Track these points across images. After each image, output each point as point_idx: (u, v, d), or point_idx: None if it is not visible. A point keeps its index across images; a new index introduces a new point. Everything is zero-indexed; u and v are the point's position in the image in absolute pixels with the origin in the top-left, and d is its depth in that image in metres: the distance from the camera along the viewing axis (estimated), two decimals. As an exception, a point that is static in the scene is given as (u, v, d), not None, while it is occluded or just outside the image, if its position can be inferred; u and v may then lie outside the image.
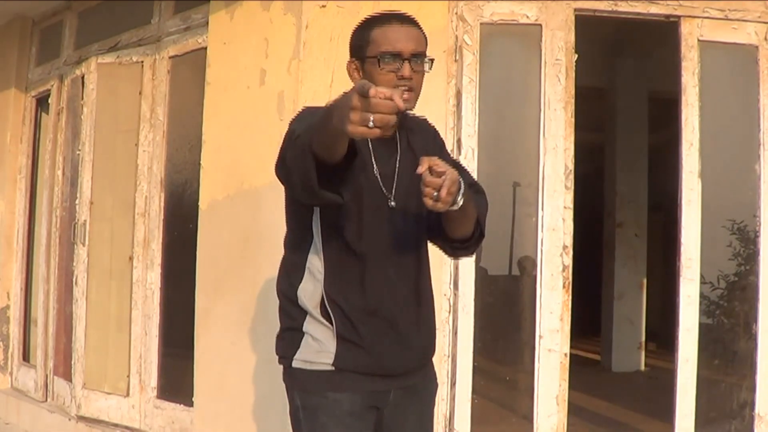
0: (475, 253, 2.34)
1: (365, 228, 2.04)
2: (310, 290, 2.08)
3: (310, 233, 2.08)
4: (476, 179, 2.40)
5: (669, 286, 4.36)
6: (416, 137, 2.19)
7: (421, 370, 2.18)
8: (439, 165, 1.82)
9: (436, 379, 2.28)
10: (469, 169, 2.43)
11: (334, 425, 2.03)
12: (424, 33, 2.13)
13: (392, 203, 2.07)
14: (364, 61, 2.09)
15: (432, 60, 2.11)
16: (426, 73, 2.10)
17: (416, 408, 2.17)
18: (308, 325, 2.07)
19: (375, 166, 2.07)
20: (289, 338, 2.11)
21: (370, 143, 2.04)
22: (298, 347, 2.07)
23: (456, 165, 2.11)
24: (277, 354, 2.15)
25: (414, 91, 2.06)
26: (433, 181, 1.80)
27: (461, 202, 1.90)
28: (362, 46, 2.10)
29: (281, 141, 1.97)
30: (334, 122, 1.65)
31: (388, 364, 2.06)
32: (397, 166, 2.11)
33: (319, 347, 2.05)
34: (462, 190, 1.89)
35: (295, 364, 2.07)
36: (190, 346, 4.24)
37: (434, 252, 3.13)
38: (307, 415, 2.06)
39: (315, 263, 2.08)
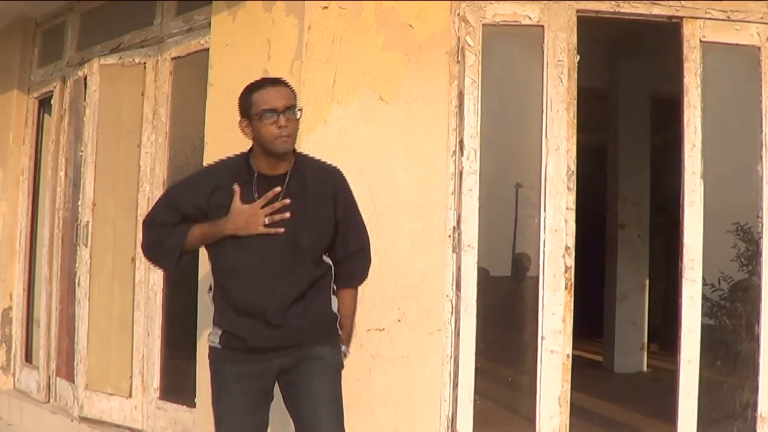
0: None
1: (236, 251, 2.74)
2: (210, 296, 2.90)
3: (209, 255, 2.87)
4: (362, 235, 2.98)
5: (671, 287, 4.35)
6: (313, 182, 2.82)
7: (301, 347, 2.80)
8: None
9: (333, 353, 2.89)
10: (359, 227, 2.96)
11: (219, 386, 2.84)
12: (292, 90, 2.78)
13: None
14: (251, 119, 2.74)
15: (301, 110, 2.81)
16: (298, 120, 2.77)
17: (313, 372, 2.81)
18: (213, 318, 2.87)
19: (255, 197, 2.73)
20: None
21: (255, 188, 2.74)
22: (211, 331, 2.87)
23: (348, 224, 2.88)
24: None
25: (291, 136, 2.71)
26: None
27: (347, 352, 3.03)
28: (248, 107, 2.76)
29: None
30: (229, 231, 2.72)
31: (254, 343, 2.75)
32: (280, 197, 2.72)
33: (215, 332, 2.84)
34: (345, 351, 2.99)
35: (209, 342, 2.88)
36: (193, 347, 4.24)
37: (435, 254, 3.11)
38: (211, 377, 2.89)
39: (212, 280, 2.88)
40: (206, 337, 2.90)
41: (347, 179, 2.94)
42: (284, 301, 2.74)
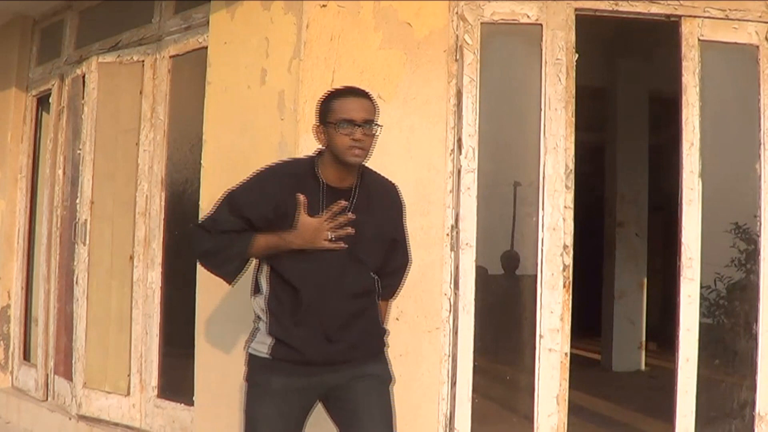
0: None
1: (298, 262, 2.66)
2: (260, 302, 2.77)
3: (260, 260, 2.79)
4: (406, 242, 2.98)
5: (669, 285, 4.36)
6: (378, 198, 2.80)
7: (353, 363, 2.73)
8: None
9: (385, 369, 2.84)
10: (405, 243, 2.97)
11: (259, 396, 2.75)
12: (375, 104, 2.70)
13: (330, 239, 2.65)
14: (327, 126, 2.66)
15: (380, 126, 2.70)
16: (375, 137, 2.69)
17: (367, 390, 2.75)
18: (268, 326, 2.74)
19: (321, 212, 2.64)
20: (252, 332, 2.83)
21: (322, 200, 2.66)
22: (254, 339, 2.79)
23: (398, 241, 2.89)
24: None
25: (365, 149, 2.64)
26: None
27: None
28: (326, 113, 2.67)
29: (217, 200, 2.76)
30: (296, 246, 2.63)
31: (310, 356, 2.67)
32: (350, 211, 2.65)
33: (261, 340, 2.74)
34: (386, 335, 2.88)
35: (248, 349, 2.81)
36: (191, 345, 4.24)
37: (433, 252, 3.11)
38: (248, 386, 2.81)
39: (262, 282, 2.77)
40: (205, 336, 2.87)
41: None
42: (344, 314, 2.70)
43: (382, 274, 2.85)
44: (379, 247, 2.79)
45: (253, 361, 2.77)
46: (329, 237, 2.60)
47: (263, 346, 2.72)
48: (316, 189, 2.68)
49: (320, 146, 2.73)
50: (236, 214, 2.69)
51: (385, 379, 2.81)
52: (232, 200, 2.73)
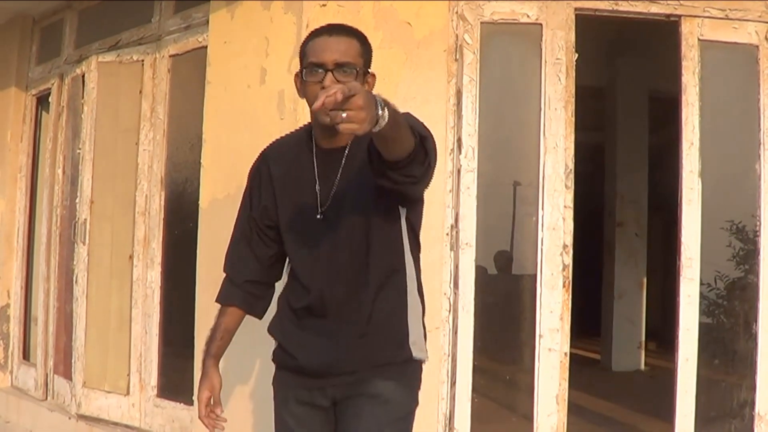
0: (423, 184, 2.06)
1: (298, 244, 2.23)
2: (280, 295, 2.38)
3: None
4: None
5: (669, 285, 4.36)
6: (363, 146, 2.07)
7: (356, 374, 2.19)
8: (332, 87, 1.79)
9: (399, 391, 2.21)
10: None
11: (275, 412, 2.33)
12: (359, 42, 2.16)
13: (318, 216, 2.18)
14: (302, 73, 2.17)
15: (361, 71, 2.13)
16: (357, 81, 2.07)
17: (357, 414, 2.17)
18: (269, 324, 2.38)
19: (317, 184, 2.19)
20: None
21: (315, 165, 2.19)
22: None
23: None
24: None
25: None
26: (329, 99, 1.63)
27: (386, 118, 1.73)
28: (301, 58, 2.19)
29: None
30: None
31: (302, 363, 2.22)
32: (337, 178, 2.17)
33: (275, 345, 2.35)
34: (380, 103, 1.73)
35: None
36: (191, 344, 4.24)
37: (433, 252, 3.08)
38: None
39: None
40: (205, 335, 2.69)
41: None
42: (342, 299, 2.17)
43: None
44: (383, 218, 2.18)
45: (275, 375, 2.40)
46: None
47: (274, 351, 2.36)
48: (309, 153, 2.22)
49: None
50: (245, 219, 2.35)
51: (391, 403, 2.17)
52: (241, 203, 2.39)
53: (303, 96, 2.19)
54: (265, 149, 2.38)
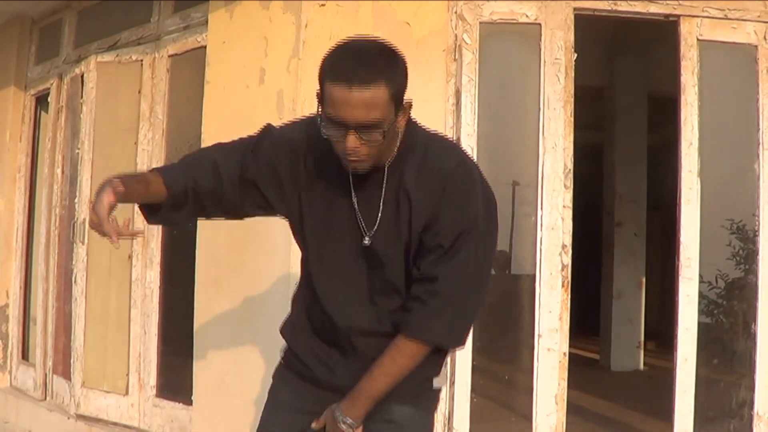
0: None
1: (321, 256, 2.07)
2: (293, 300, 2.25)
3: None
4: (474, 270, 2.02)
5: (668, 285, 4.37)
6: (419, 176, 1.95)
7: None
8: None
9: (416, 418, 2.11)
10: (458, 257, 1.95)
11: (268, 402, 2.24)
12: (386, 86, 1.79)
13: (366, 241, 1.99)
14: (321, 115, 1.87)
15: (391, 122, 1.83)
16: (383, 138, 1.83)
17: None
18: (282, 325, 2.26)
19: (356, 204, 2.00)
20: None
21: (352, 184, 1.98)
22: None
23: (440, 247, 1.93)
24: None
25: (367, 156, 1.85)
26: None
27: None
28: (321, 89, 1.86)
29: None
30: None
31: (318, 376, 2.12)
32: (381, 204, 1.98)
33: (284, 345, 2.24)
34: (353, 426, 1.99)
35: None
36: (190, 344, 4.24)
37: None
38: (269, 391, 2.27)
39: (299, 278, 2.22)
40: (204, 335, 2.64)
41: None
42: (362, 326, 2.04)
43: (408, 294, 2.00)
44: (404, 257, 1.99)
45: (277, 364, 2.28)
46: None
47: (282, 351, 2.25)
48: (342, 168, 1.95)
49: None
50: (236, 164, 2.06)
51: (402, 426, 2.08)
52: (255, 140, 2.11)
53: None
54: (307, 129, 2.05)
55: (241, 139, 2.13)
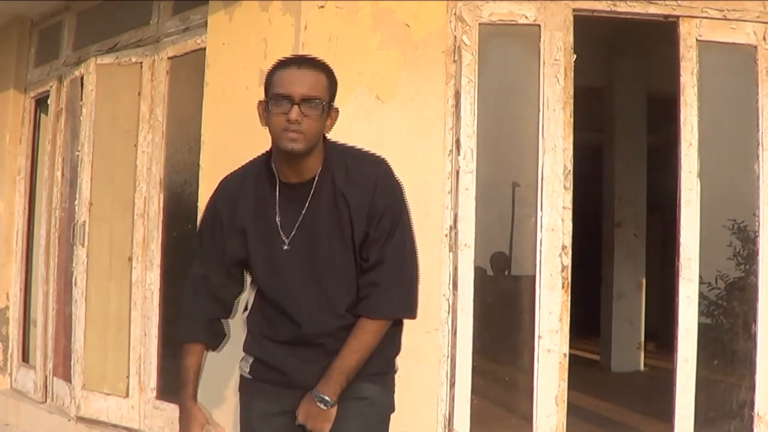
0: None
1: (266, 270, 2.31)
2: (244, 318, 2.46)
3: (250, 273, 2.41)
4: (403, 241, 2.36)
5: (668, 286, 4.35)
6: (351, 182, 2.26)
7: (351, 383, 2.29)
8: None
9: (383, 393, 2.39)
10: (394, 238, 2.31)
11: (245, 423, 2.45)
12: (326, 76, 2.22)
13: (285, 247, 2.26)
14: (268, 102, 2.20)
15: (326, 104, 2.20)
16: (321, 118, 2.19)
17: (353, 415, 2.29)
18: (244, 344, 2.46)
19: (278, 215, 2.27)
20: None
21: (277, 194, 2.27)
22: (242, 358, 2.47)
23: (382, 235, 2.26)
24: None
25: (303, 133, 2.15)
26: None
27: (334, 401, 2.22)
28: (267, 87, 2.22)
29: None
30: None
31: (293, 378, 2.30)
32: (305, 208, 2.26)
33: (245, 360, 2.44)
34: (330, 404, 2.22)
35: (239, 369, 2.49)
36: (190, 347, 4.24)
37: (432, 253, 3.07)
38: (240, 409, 2.49)
39: (249, 298, 2.44)
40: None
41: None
42: (325, 328, 2.27)
43: (360, 276, 2.29)
44: (349, 253, 2.28)
45: (241, 380, 2.50)
46: None
47: (246, 364, 2.44)
48: (272, 187, 2.28)
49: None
50: (202, 256, 2.39)
51: (377, 405, 2.34)
52: (197, 237, 2.44)
53: (265, 125, 2.23)
54: (223, 185, 2.41)
55: (198, 235, 2.42)
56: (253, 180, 2.33)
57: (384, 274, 2.26)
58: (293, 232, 2.26)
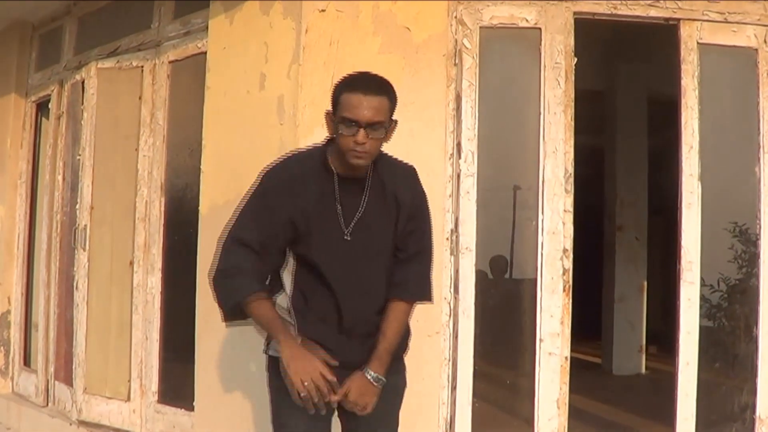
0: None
1: (326, 254, 2.55)
2: (283, 302, 2.64)
3: (288, 258, 2.63)
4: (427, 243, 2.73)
5: (669, 289, 4.35)
6: (393, 185, 2.61)
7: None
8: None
9: (401, 375, 2.77)
10: (427, 232, 2.72)
11: (284, 397, 2.55)
12: (388, 100, 2.47)
13: (347, 237, 2.56)
14: (334, 118, 2.49)
15: (388, 127, 2.49)
16: (383, 138, 2.50)
17: (386, 398, 2.63)
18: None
19: (339, 204, 2.56)
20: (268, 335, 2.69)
21: (336, 184, 2.54)
22: (271, 341, 2.65)
23: (418, 229, 2.66)
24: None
25: (368, 153, 2.46)
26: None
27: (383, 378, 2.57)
28: (335, 105, 2.49)
29: (239, 208, 2.62)
30: (284, 357, 2.47)
31: (344, 357, 2.56)
32: (363, 204, 2.57)
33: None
34: (381, 382, 2.56)
35: (270, 352, 2.67)
36: (191, 350, 4.24)
37: (434, 257, 3.08)
38: (271, 392, 2.69)
39: (286, 280, 2.64)
40: (205, 341, 2.79)
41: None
42: (371, 313, 2.60)
43: (397, 264, 2.64)
44: (393, 239, 2.62)
45: (276, 364, 2.57)
46: (302, 393, 2.43)
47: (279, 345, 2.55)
48: (329, 180, 2.55)
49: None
50: (266, 222, 2.54)
51: (395, 385, 2.69)
52: (262, 202, 2.57)
53: (332, 134, 2.54)
54: (279, 171, 2.59)
55: (248, 204, 2.60)
56: (313, 170, 2.56)
57: (423, 261, 2.69)
58: (353, 224, 2.56)
